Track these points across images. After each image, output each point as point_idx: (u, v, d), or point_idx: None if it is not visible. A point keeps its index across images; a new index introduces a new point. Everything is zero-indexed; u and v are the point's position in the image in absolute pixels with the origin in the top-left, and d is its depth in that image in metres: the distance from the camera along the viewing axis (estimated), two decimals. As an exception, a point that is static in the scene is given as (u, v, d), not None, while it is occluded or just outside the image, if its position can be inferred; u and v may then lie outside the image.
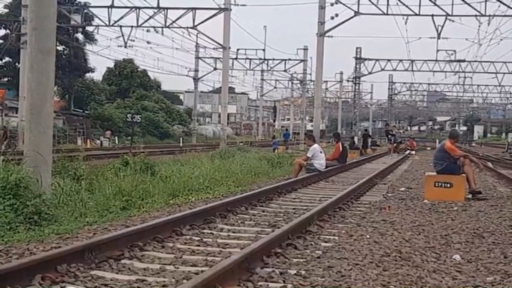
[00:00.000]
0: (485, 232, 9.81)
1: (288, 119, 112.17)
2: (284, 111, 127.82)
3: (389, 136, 49.47)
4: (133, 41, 44.69)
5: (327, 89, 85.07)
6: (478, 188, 15.57)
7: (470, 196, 14.95)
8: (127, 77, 78.53)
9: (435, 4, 36.46)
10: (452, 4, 36.32)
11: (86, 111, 66.59)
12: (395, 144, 48.84)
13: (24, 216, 9.64)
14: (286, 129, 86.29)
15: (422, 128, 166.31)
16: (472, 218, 11.50)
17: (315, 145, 20.89)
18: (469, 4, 35.95)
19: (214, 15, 39.35)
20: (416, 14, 36.74)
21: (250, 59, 62.47)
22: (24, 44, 36.45)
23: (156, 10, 39.58)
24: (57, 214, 10.29)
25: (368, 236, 9.04)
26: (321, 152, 20.71)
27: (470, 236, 9.41)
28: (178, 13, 40.55)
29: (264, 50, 60.55)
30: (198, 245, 8.28)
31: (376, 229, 9.74)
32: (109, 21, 41.15)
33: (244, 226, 10.08)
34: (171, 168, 18.19)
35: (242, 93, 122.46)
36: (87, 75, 70.52)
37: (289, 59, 65.23)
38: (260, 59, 62.21)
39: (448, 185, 14.68)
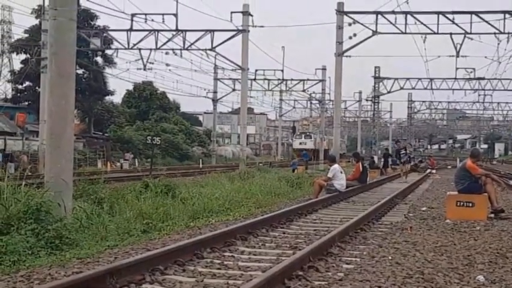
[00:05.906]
0: (509, 252, 9.70)
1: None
2: (303, 131, 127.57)
3: (401, 155, 42.89)
4: (153, 63, 44.76)
5: (346, 108, 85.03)
6: (500, 206, 15.42)
7: (492, 215, 14.82)
8: (146, 100, 79.04)
9: (453, 23, 36.31)
10: (471, 22, 36.17)
11: (106, 134, 66.98)
12: (408, 166, 44.47)
13: (46, 241, 9.68)
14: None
15: (443, 146, 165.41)
16: (494, 237, 11.38)
17: (335, 165, 20.84)
18: (487, 22, 35.86)
19: (233, 36, 39.55)
20: (434, 33, 36.62)
21: (269, 79, 62.48)
22: (44, 69, 36.92)
23: (174, 32, 39.75)
24: (78, 238, 10.33)
25: (390, 257, 8.97)
26: (341, 172, 20.62)
27: (494, 256, 9.32)
28: (196, 35, 40.75)
29: (282, 70, 60.35)
30: (219, 268, 8.26)
31: (398, 250, 9.67)
32: (128, 44, 41.41)
33: (265, 248, 10.04)
34: (191, 190, 18.21)
35: (261, 113, 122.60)
36: (107, 98, 71.05)
37: (308, 79, 65.26)
38: (279, 79, 62.19)
39: (470, 204, 14.54)
